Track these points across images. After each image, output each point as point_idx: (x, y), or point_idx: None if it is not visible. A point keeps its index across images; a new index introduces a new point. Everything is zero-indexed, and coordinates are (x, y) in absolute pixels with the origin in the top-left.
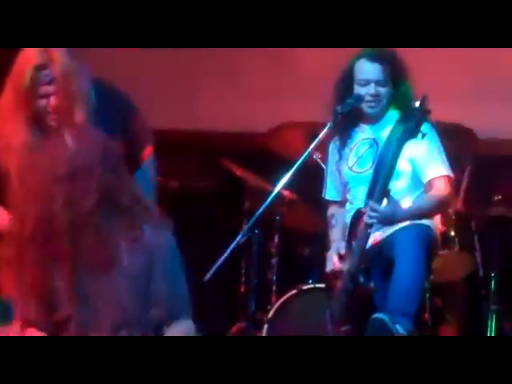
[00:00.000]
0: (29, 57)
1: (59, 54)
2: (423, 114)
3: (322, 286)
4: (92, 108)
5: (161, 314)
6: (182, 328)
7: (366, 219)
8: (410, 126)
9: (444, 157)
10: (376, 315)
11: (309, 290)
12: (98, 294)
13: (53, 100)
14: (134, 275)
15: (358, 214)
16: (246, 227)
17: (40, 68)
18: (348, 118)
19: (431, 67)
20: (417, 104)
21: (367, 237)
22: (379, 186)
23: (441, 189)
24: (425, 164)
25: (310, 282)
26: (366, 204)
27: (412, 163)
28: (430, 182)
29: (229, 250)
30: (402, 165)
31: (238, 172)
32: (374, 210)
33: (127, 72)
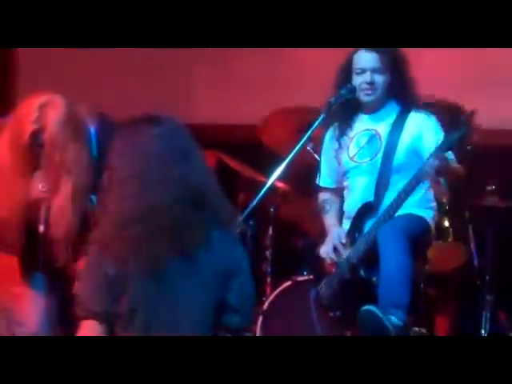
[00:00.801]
0: (26, 120)
1: (53, 121)
2: (468, 128)
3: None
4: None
5: (237, 322)
6: None
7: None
8: (452, 138)
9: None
10: (366, 307)
11: (303, 281)
12: (170, 292)
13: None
14: (208, 280)
15: (366, 207)
16: (240, 219)
17: (35, 132)
18: (346, 108)
19: (429, 57)
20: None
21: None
22: (410, 186)
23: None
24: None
25: (305, 273)
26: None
27: (418, 155)
28: None
29: None
30: (408, 157)
31: (232, 164)
32: (443, 159)
33: (123, 68)
